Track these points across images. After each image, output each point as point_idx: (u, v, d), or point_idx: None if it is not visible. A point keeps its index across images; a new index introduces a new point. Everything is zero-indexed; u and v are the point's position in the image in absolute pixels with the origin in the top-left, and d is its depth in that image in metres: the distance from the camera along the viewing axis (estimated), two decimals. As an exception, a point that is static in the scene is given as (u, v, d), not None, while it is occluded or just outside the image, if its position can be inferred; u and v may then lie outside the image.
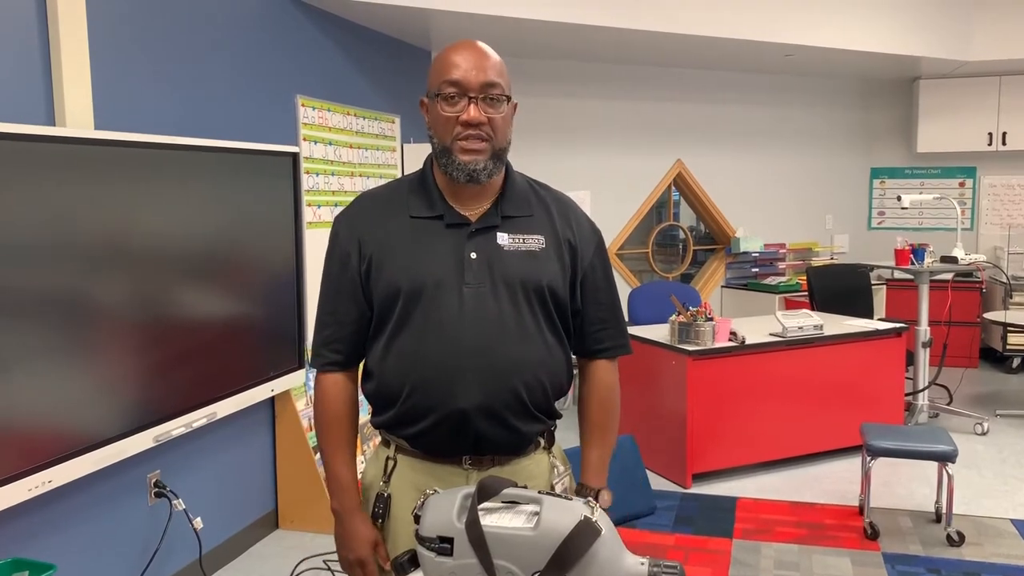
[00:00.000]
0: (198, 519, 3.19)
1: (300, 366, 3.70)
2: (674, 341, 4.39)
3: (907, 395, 5.10)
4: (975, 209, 7.31)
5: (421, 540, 1.35)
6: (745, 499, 4.13)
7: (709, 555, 3.52)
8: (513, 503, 1.39)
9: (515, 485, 1.41)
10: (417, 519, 1.37)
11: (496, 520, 1.33)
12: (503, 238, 1.58)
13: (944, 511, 3.69)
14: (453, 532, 1.33)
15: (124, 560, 2.93)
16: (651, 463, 4.41)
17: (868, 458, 3.68)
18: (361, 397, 1.69)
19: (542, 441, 1.67)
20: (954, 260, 5.24)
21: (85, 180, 2.52)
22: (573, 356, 1.70)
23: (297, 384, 3.72)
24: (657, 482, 4.34)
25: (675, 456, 4.35)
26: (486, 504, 1.37)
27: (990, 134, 6.91)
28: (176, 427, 2.92)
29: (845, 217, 7.46)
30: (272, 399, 3.78)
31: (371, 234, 1.60)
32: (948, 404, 5.53)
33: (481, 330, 1.54)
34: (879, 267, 5.83)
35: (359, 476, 1.69)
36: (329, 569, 3.40)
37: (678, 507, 4.04)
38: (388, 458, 1.64)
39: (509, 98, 1.57)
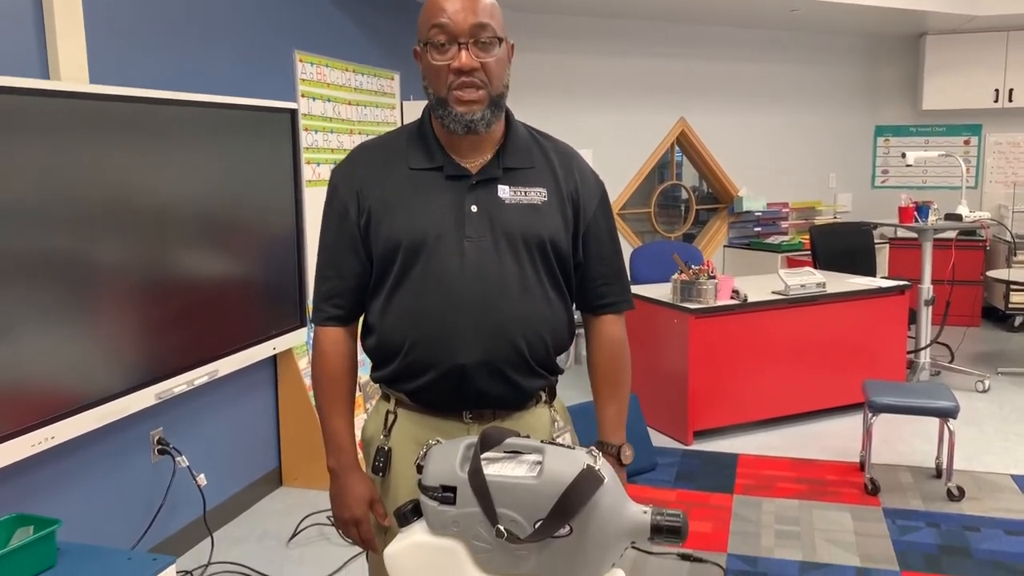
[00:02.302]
0: (201, 476, 3.20)
1: (302, 324, 3.69)
2: (676, 300, 4.38)
3: (909, 353, 5.10)
4: (980, 167, 7.25)
5: (424, 490, 1.35)
6: (746, 456, 4.15)
7: (710, 510, 3.54)
8: (516, 453, 1.39)
9: (517, 435, 1.40)
10: (420, 469, 1.37)
11: (499, 470, 1.33)
12: (504, 191, 1.55)
13: (945, 467, 3.71)
14: (456, 481, 1.33)
15: (128, 516, 2.95)
16: (652, 421, 4.42)
17: (870, 414, 3.68)
18: (362, 356, 1.67)
19: (543, 396, 1.66)
20: (958, 218, 5.21)
21: (81, 136, 2.49)
22: (576, 312, 1.69)
23: (299, 343, 3.72)
24: (658, 439, 4.36)
25: (676, 413, 4.36)
26: (488, 454, 1.37)
27: (996, 91, 6.83)
28: (178, 384, 2.92)
29: (849, 176, 7.40)
30: (274, 358, 3.78)
31: (369, 186, 1.57)
32: (950, 362, 5.53)
33: (482, 285, 1.51)
34: (883, 225, 5.79)
35: (358, 433, 1.68)
36: (333, 525, 3.43)
37: (679, 464, 4.06)
38: (388, 412, 1.63)
39: (502, 40, 1.51)
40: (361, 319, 1.66)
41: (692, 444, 4.32)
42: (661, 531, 1.29)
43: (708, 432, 4.43)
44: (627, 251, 5.60)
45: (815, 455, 4.15)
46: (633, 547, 3.18)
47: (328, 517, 3.50)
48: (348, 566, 3.11)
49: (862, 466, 3.92)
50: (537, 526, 1.27)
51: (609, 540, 1.29)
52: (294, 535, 3.36)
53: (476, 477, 1.31)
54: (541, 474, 1.29)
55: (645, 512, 1.30)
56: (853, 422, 4.56)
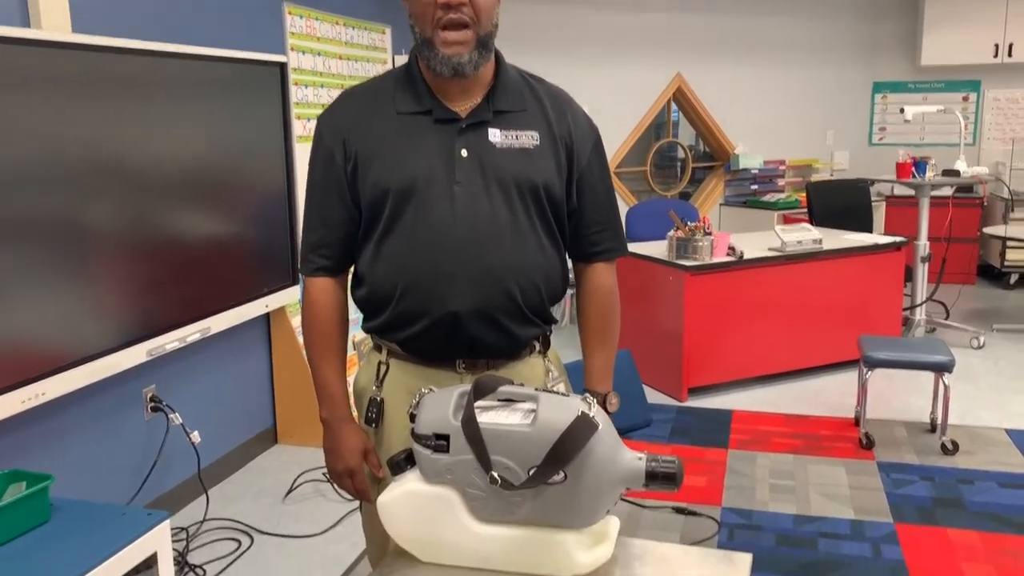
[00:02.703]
0: (195, 433, 3.20)
1: (294, 282, 3.66)
2: (672, 257, 4.35)
3: (904, 310, 5.09)
4: (978, 124, 7.19)
5: (417, 438, 1.33)
6: (741, 412, 4.16)
7: (705, 465, 3.55)
8: (509, 401, 1.37)
9: (511, 383, 1.38)
10: (413, 418, 1.35)
11: (492, 417, 1.31)
12: (495, 135, 1.51)
13: (939, 421, 3.71)
14: (449, 429, 1.31)
15: (122, 473, 2.94)
16: (647, 378, 4.42)
17: (865, 369, 3.68)
18: (355, 315, 1.64)
19: (537, 345, 1.64)
20: (956, 173, 5.17)
21: (65, 88, 2.44)
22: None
23: (292, 301, 3.69)
24: (653, 396, 4.36)
25: (671, 370, 4.36)
26: (482, 402, 1.35)
27: (996, 45, 6.74)
28: (169, 341, 2.90)
29: (846, 133, 7.33)
30: (267, 316, 3.75)
31: (356, 132, 1.52)
32: (945, 319, 5.53)
33: (473, 231, 1.48)
34: (880, 181, 5.75)
35: (350, 385, 1.66)
36: (329, 481, 3.43)
37: (674, 420, 4.07)
38: (380, 363, 1.61)
39: None
40: (351, 270, 1.63)
41: (687, 401, 4.32)
42: (656, 478, 1.27)
43: (703, 389, 4.43)
44: (622, 209, 5.55)
45: (810, 411, 4.15)
46: (627, 501, 3.19)
47: (324, 474, 3.50)
48: (344, 521, 3.11)
49: (857, 421, 3.93)
50: (531, 473, 1.26)
51: (604, 487, 1.27)
52: (290, 491, 3.36)
53: (469, 425, 1.29)
54: (535, 421, 1.27)
55: (640, 459, 1.28)
56: (848, 378, 4.57)
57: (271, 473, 3.56)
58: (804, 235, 4.58)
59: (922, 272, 5.24)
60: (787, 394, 4.40)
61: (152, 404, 3.03)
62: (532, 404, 1.32)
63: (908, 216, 6.18)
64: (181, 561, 2.82)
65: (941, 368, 3.57)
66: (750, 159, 6.80)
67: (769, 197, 6.70)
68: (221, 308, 3.18)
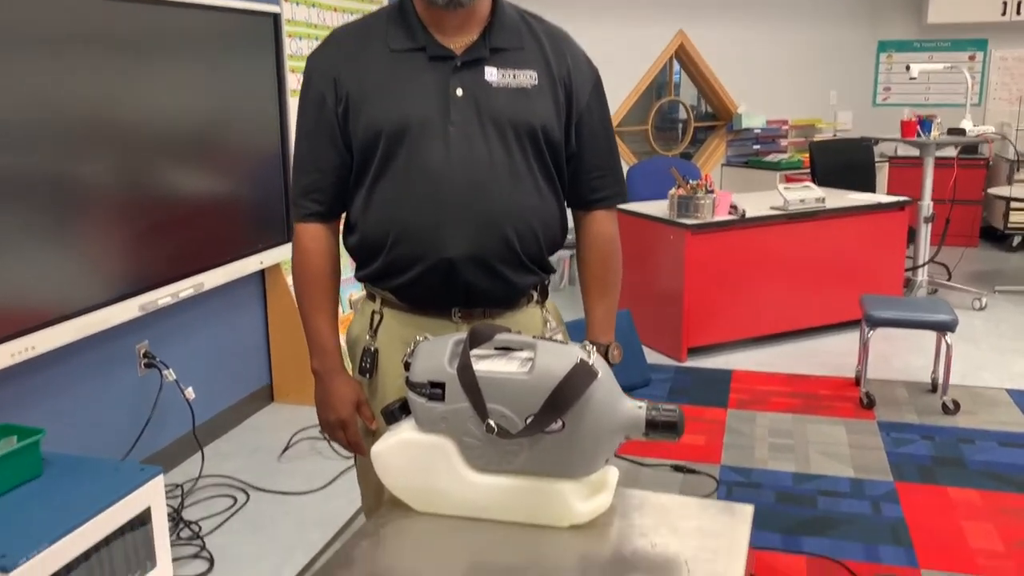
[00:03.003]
0: (189, 389, 3.16)
1: (289, 240, 3.61)
2: (673, 215, 4.29)
3: (906, 271, 5.05)
4: (984, 83, 7.09)
5: (412, 386, 1.29)
6: (740, 371, 4.13)
7: (704, 424, 3.53)
8: (506, 350, 1.33)
9: (508, 332, 1.34)
10: (407, 366, 1.32)
11: (489, 366, 1.27)
12: (491, 73, 1.45)
13: (941, 381, 3.69)
14: (444, 377, 1.27)
15: (116, 429, 2.92)
16: (646, 338, 4.39)
17: (867, 329, 3.65)
18: (348, 275, 1.59)
19: (535, 295, 1.59)
20: (962, 132, 5.09)
21: (53, 40, 2.36)
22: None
23: (286, 258, 3.64)
24: (651, 357, 4.33)
25: (670, 330, 4.32)
26: (478, 351, 1.31)
27: (1004, 3, 6.62)
28: (162, 297, 2.85)
29: (850, 93, 7.23)
30: (262, 274, 3.71)
31: (347, 71, 1.46)
32: (947, 280, 5.48)
33: (469, 173, 1.43)
34: (884, 140, 5.67)
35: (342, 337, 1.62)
36: (326, 439, 3.41)
37: (672, 379, 4.04)
38: (374, 312, 1.57)
39: None
40: (343, 218, 1.58)
41: (686, 361, 4.29)
42: (656, 426, 1.24)
43: (702, 349, 4.40)
44: (622, 168, 5.48)
45: (810, 371, 4.13)
46: (625, 459, 3.17)
47: (320, 431, 3.47)
48: (340, 479, 3.10)
49: (857, 381, 3.91)
50: (528, 421, 1.22)
51: (603, 435, 1.24)
52: (286, 449, 3.34)
53: (465, 372, 1.25)
54: (533, 369, 1.23)
55: (640, 407, 1.25)
56: (849, 339, 4.54)
57: (267, 431, 3.54)
58: (807, 194, 4.52)
59: (925, 233, 5.19)
60: (787, 355, 4.38)
61: (145, 360, 2.99)
62: (530, 352, 1.28)
63: (911, 178, 6.10)
64: (176, 517, 2.80)
65: (944, 327, 3.54)
66: (753, 119, 6.71)
67: (771, 157, 6.62)
68: (214, 264, 3.13)
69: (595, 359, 1.24)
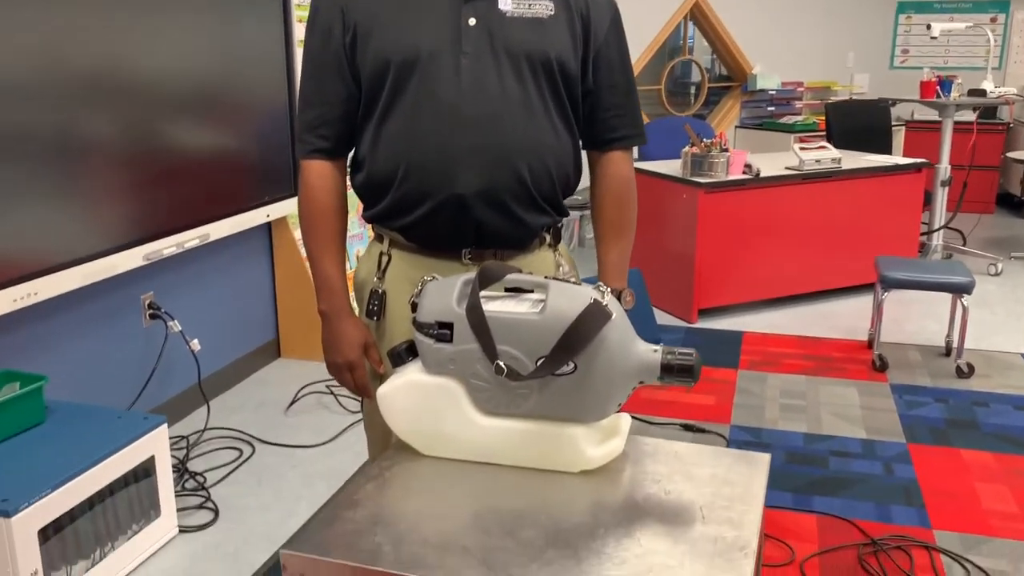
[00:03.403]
0: (195, 341, 3.14)
1: (295, 193, 3.55)
2: (686, 174, 4.22)
3: (921, 236, 4.97)
4: (1005, 46, 6.93)
5: (419, 327, 1.25)
6: (751, 333, 4.08)
7: (714, 384, 3.49)
8: (517, 291, 1.28)
9: (519, 272, 1.30)
10: (415, 307, 1.27)
11: (499, 307, 1.22)
12: (505, 2, 1.38)
13: (956, 344, 3.63)
14: (453, 317, 1.22)
15: (121, 380, 2.89)
16: (656, 299, 4.34)
17: (881, 290, 3.59)
18: (354, 232, 1.53)
19: (547, 237, 1.54)
20: (982, 93, 4.98)
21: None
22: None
23: (293, 211, 3.59)
24: (661, 318, 4.29)
25: (681, 291, 4.27)
26: (488, 292, 1.26)
27: (1030, -37, 6.45)
28: (167, 246, 2.81)
29: (867, 55, 7.09)
30: (269, 228, 3.66)
31: (354, 0, 1.40)
32: (963, 246, 5.41)
33: (481, 106, 1.37)
34: (902, 101, 5.55)
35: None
36: (332, 393, 3.39)
37: (683, 340, 4.00)
38: (382, 253, 1.52)
39: None
40: (350, 158, 1.53)
41: (697, 323, 4.24)
42: (672, 370, 1.19)
43: (713, 311, 4.35)
44: (635, 128, 5.39)
45: (823, 333, 4.08)
46: (633, 416, 3.14)
47: (328, 386, 3.46)
48: (347, 432, 3.08)
49: (870, 344, 3.86)
50: (539, 363, 1.18)
51: (616, 379, 1.19)
52: (292, 404, 3.32)
53: (474, 312, 1.20)
54: (544, 310, 1.18)
55: (655, 351, 1.20)
56: (862, 302, 4.48)
57: (273, 385, 3.52)
58: (823, 154, 4.44)
59: (941, 197, 5.10)
60: (799, 317, 4.32)
61: (151, 311, 2.96)
62: (541, 293, 1.23)
63: (929, 141, 6.00)
64: (181, 468, 2.78)
65: (960, 289, 3.48)
66: (767, 80, 6.59)
67: (786, 119, 6.52)
68: (220, 215, 3.08)
69: (609, 300, 1.19)
